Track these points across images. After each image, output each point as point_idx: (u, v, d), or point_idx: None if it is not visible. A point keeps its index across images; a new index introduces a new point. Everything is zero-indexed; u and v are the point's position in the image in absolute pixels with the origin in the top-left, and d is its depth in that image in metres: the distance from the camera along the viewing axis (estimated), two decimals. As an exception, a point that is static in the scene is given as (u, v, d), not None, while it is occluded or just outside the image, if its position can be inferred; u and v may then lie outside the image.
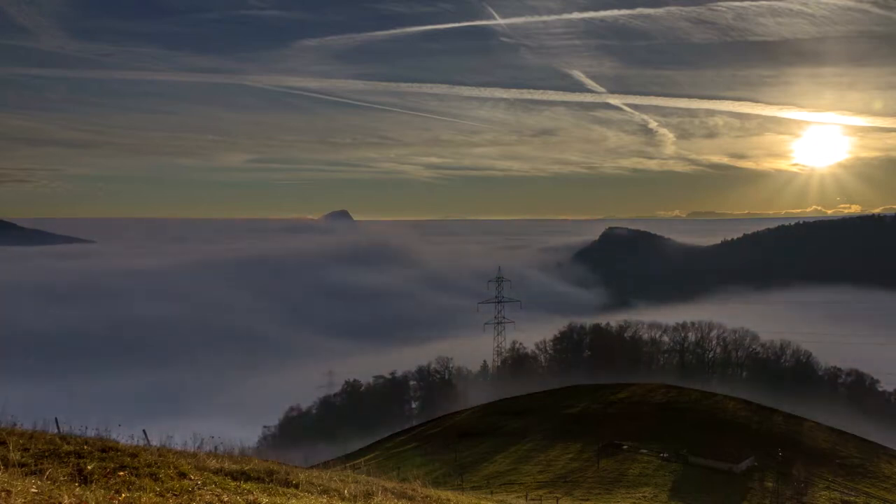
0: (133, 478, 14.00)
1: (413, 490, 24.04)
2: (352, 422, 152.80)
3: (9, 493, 10.63)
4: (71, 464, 14.51)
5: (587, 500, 55.70)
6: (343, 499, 17.89)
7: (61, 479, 12.99)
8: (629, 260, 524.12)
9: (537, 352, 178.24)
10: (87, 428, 20.43)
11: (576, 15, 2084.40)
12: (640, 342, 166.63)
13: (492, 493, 51.43)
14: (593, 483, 62.22)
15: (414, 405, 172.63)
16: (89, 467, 14.32)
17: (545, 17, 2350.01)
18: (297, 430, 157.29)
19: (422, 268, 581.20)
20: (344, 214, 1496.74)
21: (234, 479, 16.89)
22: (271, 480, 18.06)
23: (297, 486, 18.06)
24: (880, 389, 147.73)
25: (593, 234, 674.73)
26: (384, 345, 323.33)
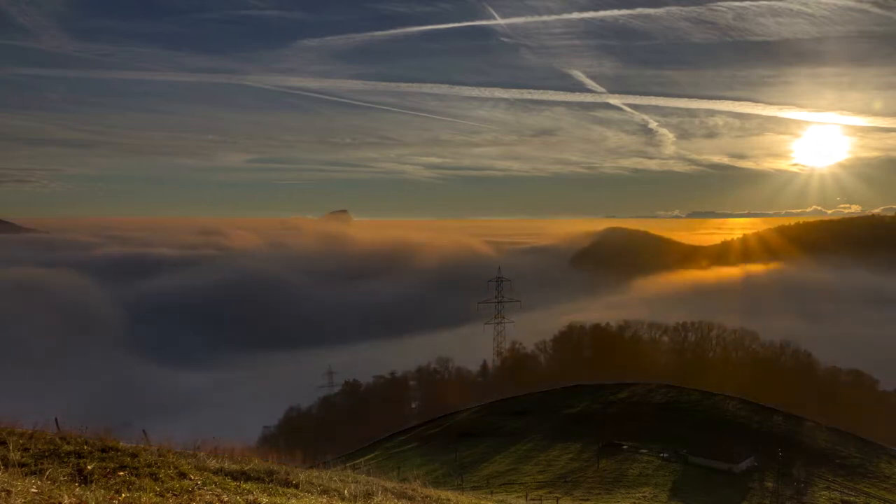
0: (133, 478, 13.99)
1: (413, 490, 24.02)
2: (352, 422, 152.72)
3: (9, 493, 10.62)
4: (71, 464, 14.50)
5: (587, 500, 55.69)
6: (343, 499, 17.88)
7: (61, 479, 12.98)
8: (629, 260, 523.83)
9: (537, 352, 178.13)
10: (87, 428, 20.40)
11: (576, 15, 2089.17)
12: (640, 342, 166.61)
13: (492, 493, 51.41)
14: (593, 483, 62.21)
15: (414, 405, 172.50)
16: (89, 467, 14.31)
17: (545, 17, 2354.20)
18: (297, 430, 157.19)
19: (422, 268, 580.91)
20: (344, 214, 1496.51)
21: (234, 479, 16.88)
22: (271, 480, 18.04)
23: (297, 486, 18.05)
24: (880, 389, 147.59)
25: (593, 235, 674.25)
26: (384, 345, 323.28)
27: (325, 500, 16.70)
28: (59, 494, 11.10)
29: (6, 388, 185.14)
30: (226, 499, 13.53)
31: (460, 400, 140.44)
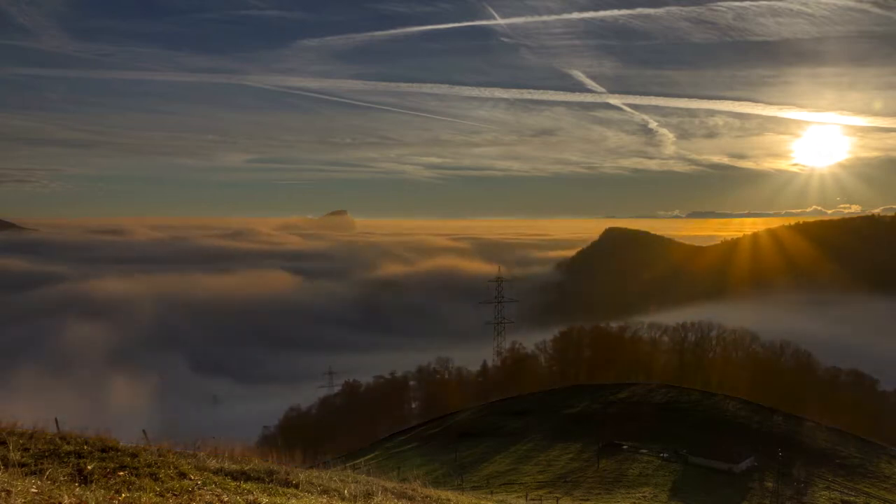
0: (133, 478, 13.98)
1: (413, 490, 24.01)
2: (352, 422, 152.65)
3: (9, 493, 10.62)
4: (71, 464, 14.49)
5: (587, 500, 55.68)
6: (343, 499, 17.87)
7: (61, 479, 12.97)
8: (629, 260, 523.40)
9: (537, 352, 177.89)
10: (87, 428, 20.39)
11: (576, 15, 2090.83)
12: (640, 342, 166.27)
13: (492, 493, 51.41)
14: (593, 483, 62.22)
15: (414, 405, 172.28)
16: (89, 467, 14.30)
17: (545, 17, 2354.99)
18: (297, 430, 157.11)
19: (422, 267, 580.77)
20: (343, 214, 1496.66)
21: (234, 479, 16.87)
22: (271, 480, 18.03)
23: (297, 486, 18.04)
24: (880, 389, 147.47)
25: (593, 234, 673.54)
26: (384, 344, 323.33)
27: (325, 500, 16.69)
28: (59, 494, 11.10)
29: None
30: (226, 499, 13.52)
31: (460, 400, 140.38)
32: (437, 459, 77.00)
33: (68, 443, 16.67)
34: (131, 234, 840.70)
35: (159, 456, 17.07)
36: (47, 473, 13.11)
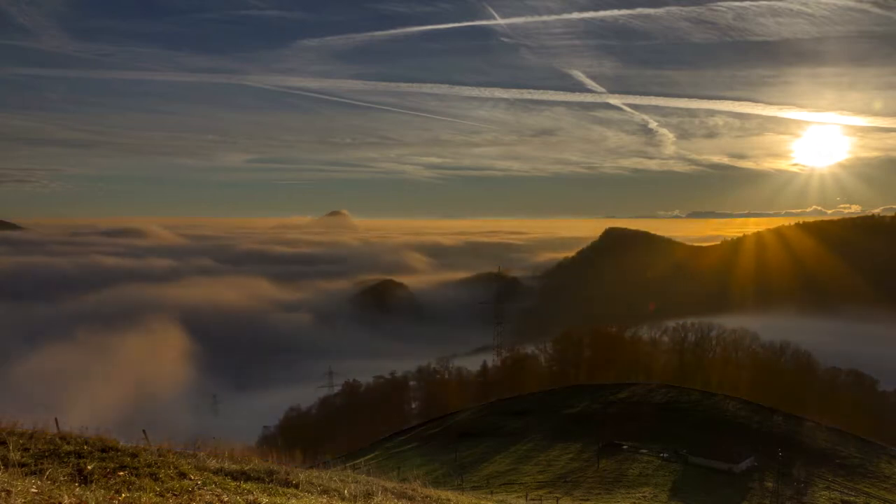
0: (133, 478, 13.99)
1: (413, 490, 24.02)
2: (352, 422, 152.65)
3: (9, 493, 10.62)
4: (71, 464, 14.50)
5: (587, 500, 55.69)
6: (343, 499, 17.87)
7: (61, 479, 12.98)
8: (629, 260, 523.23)
9: (537, 352, 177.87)
10: (87, 428, 20.39)
11: (576, 15, 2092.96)
12: (640, 342, 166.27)
13: (492, 493, 51.41)
14: (593, 483, 62.23)
15: (414, 405, 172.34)
16: (89, 467, 14.30)
17: (545, 17, 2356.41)
18: (297, 430, 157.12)
19: (421, 267, 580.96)
20: (342, 215, 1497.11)
21: (234, 479, 16.87)
22: (271, 480, 18.03)
23: (297, 486, 18.05)
24: (880, 389, 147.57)
25: (593, 234, 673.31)
26: (384, 344, 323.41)
27: (325, 500, 16.70)
28: (59, 494, 11.10)
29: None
30: (226, 499, 13.52)
31: (460, 400, 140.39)
32: (437, 459, 77.01)
33: (68, 443, 16.68)
34: (131, 234, 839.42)
35: (159, 456, 17.07)
36: (47, 473, 13.11)
